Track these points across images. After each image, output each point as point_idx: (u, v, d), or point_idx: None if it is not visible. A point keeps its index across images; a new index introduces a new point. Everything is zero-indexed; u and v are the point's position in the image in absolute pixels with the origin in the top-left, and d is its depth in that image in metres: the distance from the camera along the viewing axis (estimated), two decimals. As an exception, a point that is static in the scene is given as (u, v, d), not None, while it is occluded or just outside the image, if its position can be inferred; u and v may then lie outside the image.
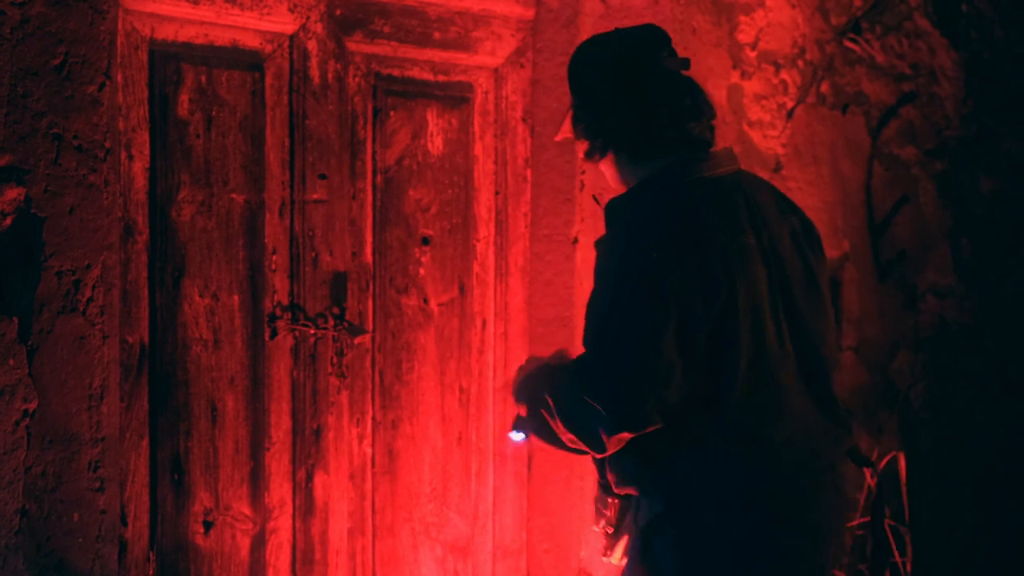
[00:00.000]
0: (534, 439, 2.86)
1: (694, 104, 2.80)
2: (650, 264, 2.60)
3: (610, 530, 2.88)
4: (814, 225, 2.89)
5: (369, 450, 3.80)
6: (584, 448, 2.70)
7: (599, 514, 2.92)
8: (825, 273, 2.85)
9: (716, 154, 2.80)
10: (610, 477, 2.81)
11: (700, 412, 2.65)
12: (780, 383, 2.70)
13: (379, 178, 3.80)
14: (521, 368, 2.94)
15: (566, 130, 2.93)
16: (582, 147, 2.89)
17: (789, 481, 2.72)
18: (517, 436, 2.93)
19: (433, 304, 3.93)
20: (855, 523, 4.42)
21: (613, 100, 2.80)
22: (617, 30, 2.93)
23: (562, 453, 4.01)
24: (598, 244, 2.81)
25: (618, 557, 2.86)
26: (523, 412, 2.86)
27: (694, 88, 2.82)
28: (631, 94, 2.79)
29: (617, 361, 2.61)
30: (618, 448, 2.67)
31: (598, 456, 2.75)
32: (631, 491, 2.79)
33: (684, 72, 2.84)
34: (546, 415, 2.72)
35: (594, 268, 2.77)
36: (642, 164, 2.80)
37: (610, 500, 2.86)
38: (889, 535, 4.37)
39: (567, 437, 2.70)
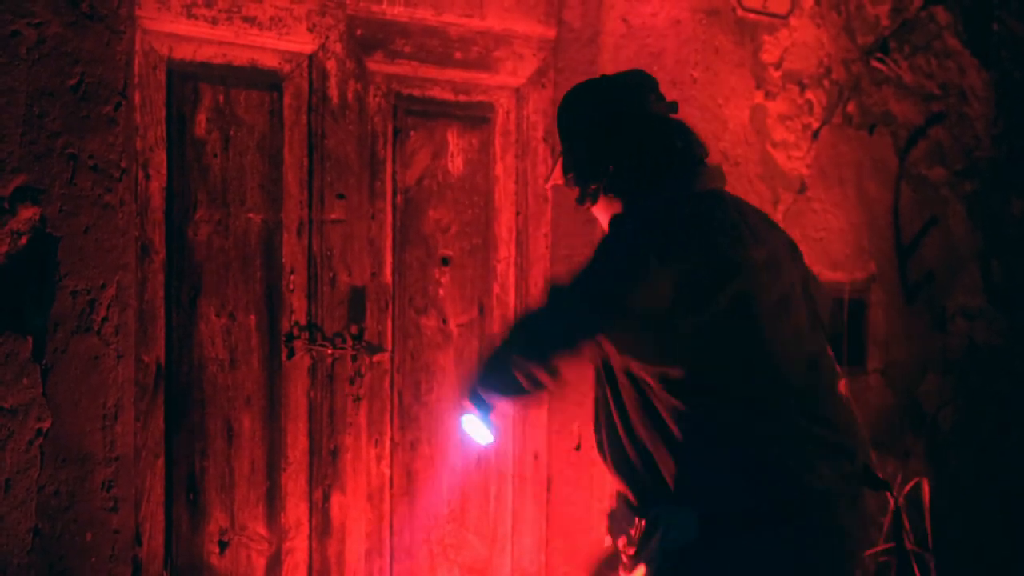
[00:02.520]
0: (494, 397, 2.80)
1: (685, 145, 2.80)
2: (655, 241, 2.62)
3: (632, 551, 2.84)
4: (794, 241, 2.90)
5: (387, 471, 3.79)
6: (536, 374, 2.68)
7: (619, 531, 2.88)
8: (809, 280, 2.85)
9: (710, 169, 2.81)
10: (634, 498, 2.78)
11: (724, 432, 2.63)
12: (790, 395, 2.67)
13: (399, 198, 3.79)
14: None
15: (556, 176, 2.92)
16: (573, 193, 2.88)
17: (819, 503, 2.68)
18: (471, 421, 2.84)
19: (452, 324, 3.91)
20: (879, 548, 4.36)
21: (602, 147, 2.80)
22: (604, 76, 2.94)
23: (585, 477, 4.01)
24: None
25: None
26: (475, 396, 2.82)
27: (684, 130, 2.82)
28: (620, 139, 2.79)
29: (568, 311, 2.67)
30: (566, 373, 2.69)
31: (551, 385, 2.72)
32: (658, 512, 2.76)
33: (673, 115, 2.84)
34: (502, 359, 2.71)
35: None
36: (637, 199, 2.80)
37: (637, 520, 2.82)
38: (912, 561, 4.31)
39: (519, 366, 2.68)
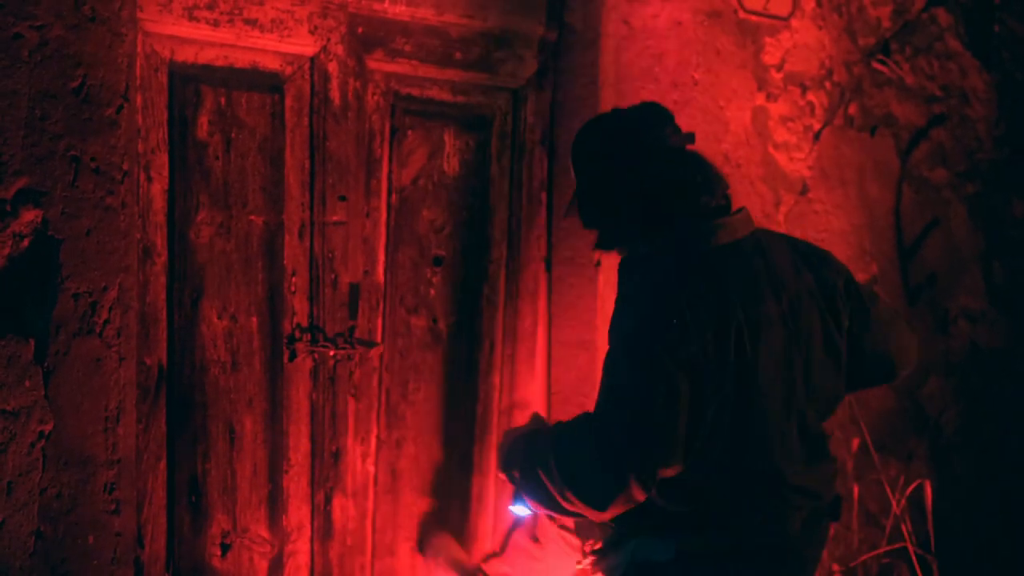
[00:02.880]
0: (532, 504, 2.76)
1: (704, 179, 2.74)
2: (664, 331, 2.56)
3: (591, 559, 2.85)
4: (828, 277, 2.84)
5: (372, 468, 3.78)
6: (582, 511, 2.63)
7: (587, 535, 2.89)
8: (843, 323, 2.82)
9: (732, 220, 2.73)
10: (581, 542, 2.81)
11: (702, 469, 2.64)
12: (781, 444, 2.70)
13: (394, 197, 3.79)
14: (502, 444, 2.89)
15: (574, 212, 2.87)
16: (591, 236, 2.83)
17: (791, 546, 2.74)
18: (521, 510, 2.85)
19: (442, 324, 3.91)
20: (881, 551, 4.36)
21: (621, 182, 2.75)
22: (616, 111, 2.87)
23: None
24: (615, 308, 2.75)
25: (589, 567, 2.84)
26: (516, 481, 2.79)
27: (701, 162, 2.76)
28: (636, 178, 2.73)
29: (633, 426, 2.56)
30: (617, 512, 2.62)
31: (596, 519, 2.68)
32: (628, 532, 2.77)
33: (689, 146, 2.79)
34: (543, 476, 2.65)
35: (610, 323, 2.72)
36: (656, 240, 2.74)
37: (609, 529, 2.82)
38: (915, 563, 4.30)
39: (564, 495, 2.62)
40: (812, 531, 2.78)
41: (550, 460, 2.62)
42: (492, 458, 4.02)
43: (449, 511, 3.94)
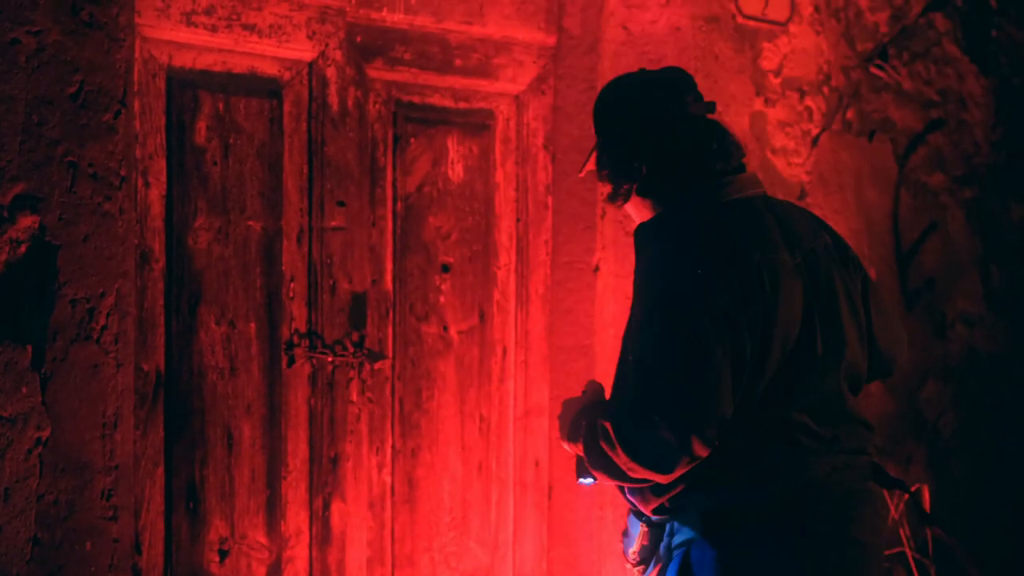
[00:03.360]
0: (599, 476, 2.76)
1: (721, 147, 2.78)
2: (699, 285, 2.59)
3: (637, 558, 2.85)
4: (846, 241, 2.88)
5: (389, 479, 3.78)
6: (647, 476, 2.65)
7: (629, 540, 2.89)
8: (857, 285, 2.83)
9: (742, 177, 2.79)
10: (642, 504, 2.78)
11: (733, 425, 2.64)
12: (807, 396, 2.68)
13: (399, 205, 3.79)
14: (562, 414, 2.88)
15: (590, 166, 2.91)
16: (605, 189, 2.86)
17: (825, 494, 2.69)
18: (585, 480, 2.85)
19: (453, 332, 3.90)
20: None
21: (639, 146, 2.78)
22: (643, 72, 2.91)
23: (586, 486, 4.00)
24: (635, 277, 2.78)
25: None
26: (580, 453, 2.79)
27: (720, 131, 2.81)
28: (657, 139, 2.77)
29: (688, 385, 2.57)
30: (682, 472, 2.63)
31: (663, 481, 2.68)
32: (664, 516, 2.77)
33: (710, 115, 2.82)
34: (604, 447, 2.66)
35: (632, 298, 2.74)
36: (669, 201, 2.79)
37: (642, 525, 2.83)
38: (913, 568, 4.30)
39: (628, 465, 2.64)
40: (854, 493, 2.73)
41: (610, 432, 2.63)
42: (509, 465, 4.02)
43: (468, 520, 3.94)
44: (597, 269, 4.03)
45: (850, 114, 4.54)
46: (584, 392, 2.89)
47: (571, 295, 4.06)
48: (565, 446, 2.84)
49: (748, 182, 2.79)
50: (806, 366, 2.67)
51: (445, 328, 3.89)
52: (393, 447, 3.79)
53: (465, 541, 3.95)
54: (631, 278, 3.97)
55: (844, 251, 2.84)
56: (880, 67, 4.64)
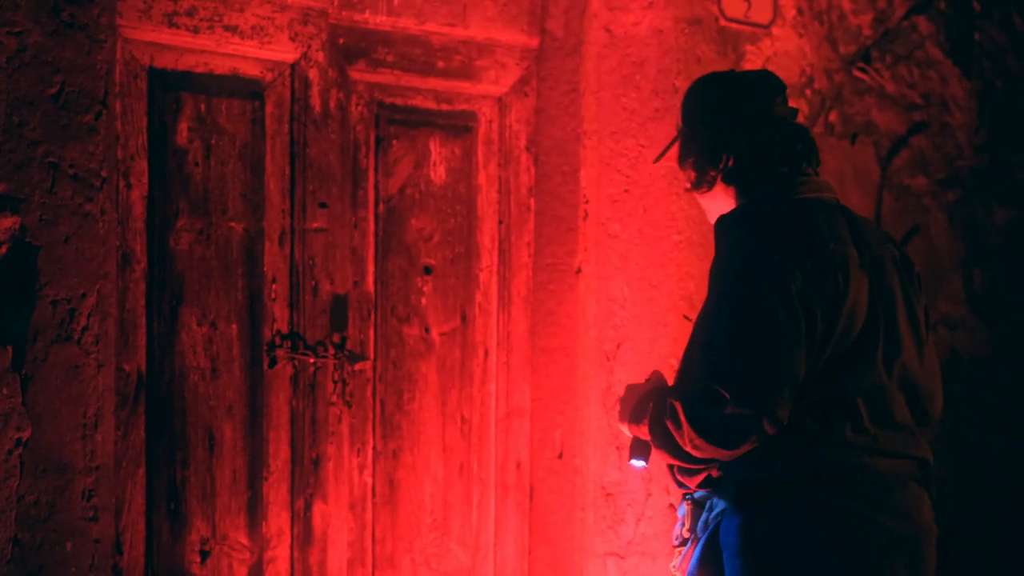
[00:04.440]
0: (656, 456, 2.86)
1: (805, 148, 2.93)
2: (773, 268, 2.69)
3: (686, 535, 2.93)
4: (912, 261, 2.97)
5: (370, 480, 3.78)
6: (714, 454, 2.72)
7: (678, 523, 2.97)
8: (921, 303, 2.93)
9: (818, 180, 2.93)
10: (688, 480, 2.84)
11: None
12: (855, 386, 2.75)
13: (381, 207, 3.79)
14: (624, 398, 2.95)
15: (670, 157, 3.04)
16: (688, 177, 3.00)
17: (854, 478, 2.75)
18: (638, 463, 2.93)
19: (435, 333, 3.91)
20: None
21: (729, 139, 2.92)
22: (733, 72, 3.09)
23: (567, 486, 4.01)
24: (712, 268, 2.88)
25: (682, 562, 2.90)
26: (641, 434, 2.87)
27: (805, 133, 2.96)
28: (748, 135, 2.90)
29: (759, 361, 2.66)
30: (748, 449, 2.70)
31: (726, 459, 2.75)
32: (706, 492, 2.85)
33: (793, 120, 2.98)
34: (670, 425, 2.72)
35: (708, 286, 2.85)
36: (750, 192, 2.92)
37: (686, 504, 2.92)
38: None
39: (695, 442, 2.70)
40: (889, 483, 2.77)
41: (679, 410, 2.71)
42: (491, 467, 4.03)
43: (449, 521, 3.94)
44: (579, 271, 4.03)
45: (833, 117, 4.55)
46: (648, 380, 2.96)
47: (553, 297, 4.07)
48: (623, 428, 2.93)
49: (823, 185, 2.93)
50: (860, 359, 2.76)
51: (427, 330, 3.89)
52: (374, 448, 3.79)
53: (446, 542, 3.95)
54: (614, 280, 4.03)
55: (910, 267, 2.94)
56: (863, 70, 4.65)
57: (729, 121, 2.92)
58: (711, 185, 2.95)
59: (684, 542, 2.92)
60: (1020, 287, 5.17)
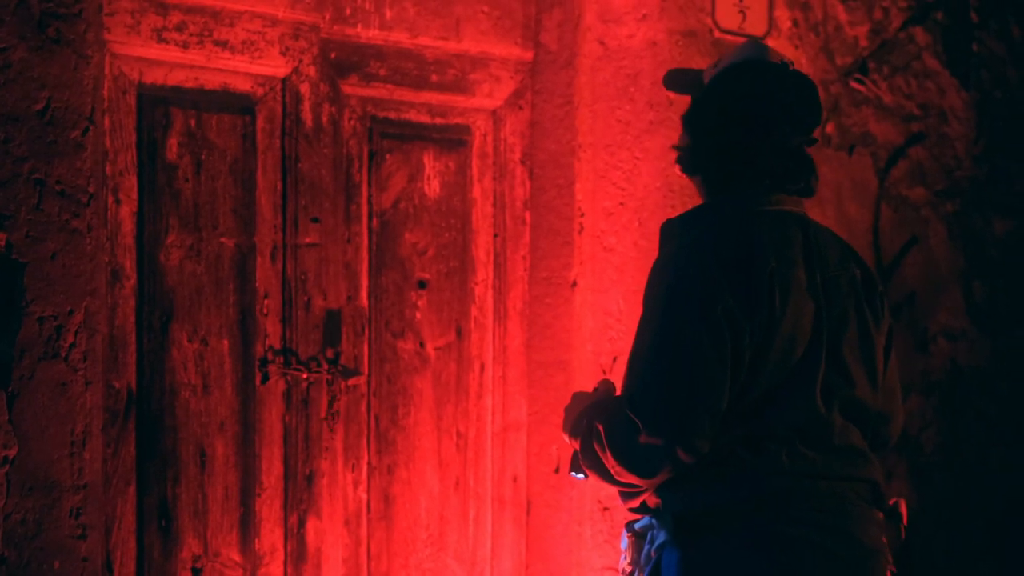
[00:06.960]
0: (591, 475, 2.79)
1: (799, 167, 2.81)
2: (701, 288, 2.59)
3: (628, 569, 2.85)
4: (877, 280, 2.84)
5: (364, 495, 3.76)
6: (631, 480, 2.66)
7: (622, 555, 2.90)
8: (884, 324, 2.80)
9: (782, 196, 2.78)
10: (624, 502, 2.80)
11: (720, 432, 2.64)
12: (793, 416, 2.66)
13: (375, 221, 3.78)
14: (569, 407, 2.89)
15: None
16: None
17: (794, 503, 2.67)
18: (578, 475, 2.88)
19: (430, 348, 3.89)
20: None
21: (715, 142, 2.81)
22: (738, 60, 2.97)
23: (564, 500, 3.99)
24: (650, 275, 2.78)
25: None
26: (577, 447, 2.80)
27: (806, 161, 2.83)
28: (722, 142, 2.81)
29: (673, 389, 2.57)
30: (663, 479, 2.64)
31: (643, 485, 2.70)
32: (647, 524, 2.77)
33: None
34: (596, 447, 2.67)
35: (643, 292, 2.74)
36: (714, 195, 2.82)
37: (628, 536, 2.83)
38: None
39: (615, 468, 2.65)
40: (834, 507, 2.69)
41: (601, 434, 2.65)
42: (487, 481, 4.01)
43: (445, 536, 3.92)
44: (575, 284, 4.02)
45: (830, 128, 4.54)
46: (595, 389, 2.88)
47: (549, 310, 4.05)
48: (566, 438, 2.86)
49: (789, 201, 2.78)
50: (797, 388, 2.65)
51: (422, 344, 3.87)
52: (369, 464, 3.77)
53: (442, 558, 3.93)
54: (609, 293, 4.01)
55: (872, 288, 2.80)
56: (860, 81, 4.64)
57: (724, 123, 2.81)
58: (683, 166, 2.87)
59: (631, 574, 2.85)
60: (1020, 299, 5.15)
